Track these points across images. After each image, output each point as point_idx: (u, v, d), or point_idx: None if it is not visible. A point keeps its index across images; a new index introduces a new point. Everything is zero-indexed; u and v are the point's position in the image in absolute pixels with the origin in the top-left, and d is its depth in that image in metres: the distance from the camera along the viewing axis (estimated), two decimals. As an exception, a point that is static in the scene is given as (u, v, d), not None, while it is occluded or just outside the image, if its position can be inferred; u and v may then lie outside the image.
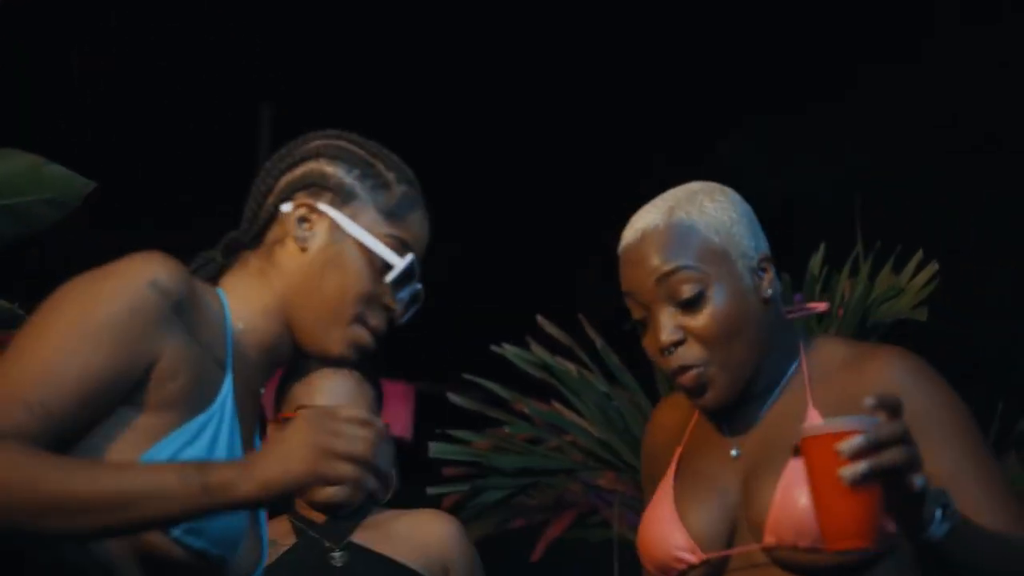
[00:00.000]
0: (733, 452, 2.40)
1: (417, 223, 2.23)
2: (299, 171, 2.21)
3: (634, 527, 5.29)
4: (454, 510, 4.85)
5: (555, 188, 10.18)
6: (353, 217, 2.17)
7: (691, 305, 2.32)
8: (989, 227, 8.62)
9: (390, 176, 2.22)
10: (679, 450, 2.48)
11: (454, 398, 5.28)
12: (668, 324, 2.32)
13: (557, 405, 5.35)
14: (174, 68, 10.01)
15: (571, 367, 5.39)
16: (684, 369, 2.33)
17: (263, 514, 2.22)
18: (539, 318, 5.45)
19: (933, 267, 5.41)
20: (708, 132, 9.59)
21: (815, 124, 8.91)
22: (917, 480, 2.00)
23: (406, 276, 2.18)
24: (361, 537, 3.22)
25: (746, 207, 2.40)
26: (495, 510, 5.16)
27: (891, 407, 2.02)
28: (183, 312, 2.02)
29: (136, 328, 1.97)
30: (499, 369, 5.33)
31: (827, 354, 2.39)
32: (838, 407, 2.30)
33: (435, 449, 5.42)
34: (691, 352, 2.32)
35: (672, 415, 2.56)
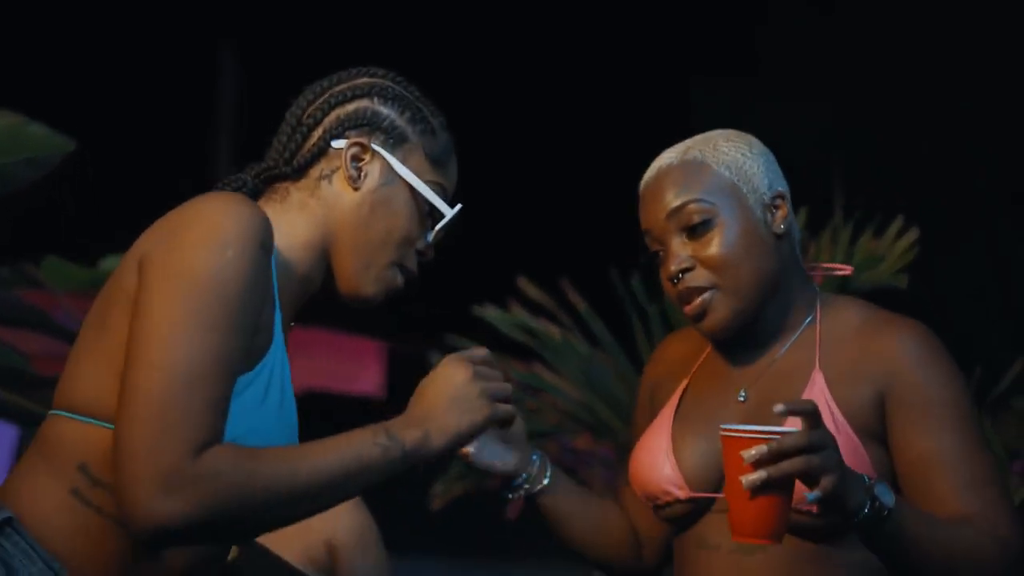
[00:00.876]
0: (741, 395, 2.46)
1: (454, 171, 2.26)
2: (351, 107, 2.19)
3: (612, 487, 5.34)
4: (436, 469, 4.87)
5: (535, 149, 10.17)
6: (404, 160, 2.17)
7: (699, 233, 2.42)
8: (964, 191, 8.64)
9: (435, 122, 2.23)
10: (685, 382, 2.53)
11: (435, 358, 5.30)
12: (679, 252, 2.42)
13: (538, 367, 5.38)
14: (131, 3, 9.92)
15: (553, 329, 5.41)
16: (690, 293, 2.41)
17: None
18: (520, 280, 5.46)
19: (914, 233, 5.44)
20: (677, 88, 9.60)
21: (788, 80, 8.92)
22: (807, 496, 2.10)
23: (449, 223, 2.21)
24: None
25: (764, 149, 2.49)
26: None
27: (808, 415, 2.10)
28: (270, 259, 2.03)
29: (259, 297, 1.98)
30: (480, 331, 5.35)
31: (844, 315, 2.45)
32: (844, 372, 2.36)
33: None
34: (698, 276, 2.41)
35: (679, 348, 2.63)
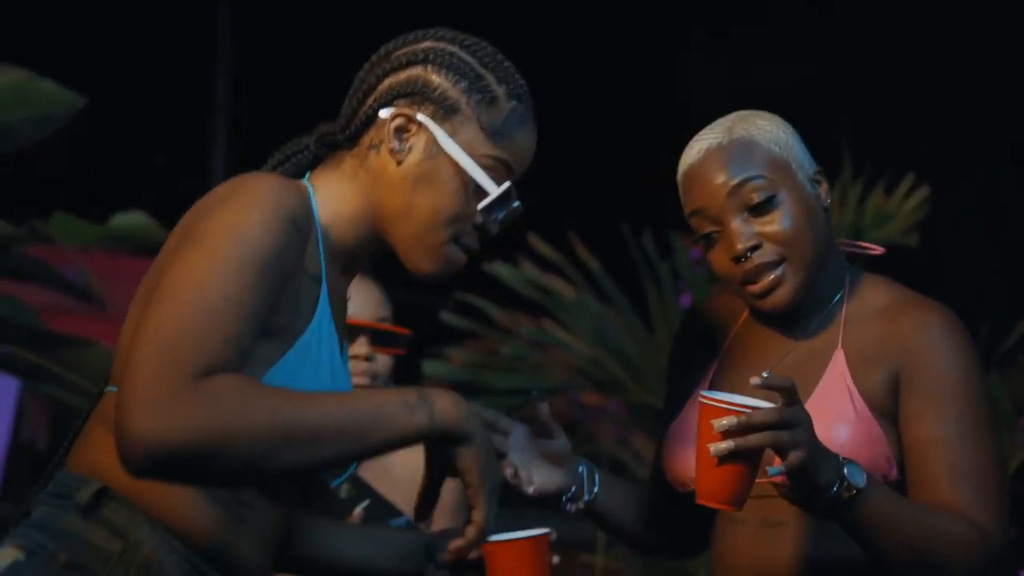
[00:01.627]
0: (765, 375, 2.45)
1: (522, 142, 2.13)
2: (403, 75, 2.10)
3: (620, 441, 5.37)
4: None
5: (545, 106, 10.15)
6: (453, 133, 2.07)
7: (763, 211, 2.40)
8: (968, 148, 8.64)
9: (500, 91, 2.11)
10: (715, 364, 2.54)
11: (447, 317, 5.34)
12: (744, 231, 2.39)
13: (548, 323, 5.40)
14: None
15: (564, 286, 5.43)
16: (761, 270, 2.39)
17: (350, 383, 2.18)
18: (530, 237, 5.48)
19: (924, 191, 5.44)
20: (681, 46, 9.57)
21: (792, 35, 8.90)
22: (769, 470, 2.13)
23: (501, 201, 2.09)
24: (362, 470, 3.17)
25: (792, 127, 2.48)
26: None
27: (783, 391, 2.14)
28: (304, 242, 2.00)
29: (283, 265, 1.95)
30: (490, 287, 5.37)
31: (871, 294, 2.45)
32: (866, 352, 2.37)
33: (428, 368, 5.47)
34: (766, 253, 2.39)
35: (711, 320, 2.61)
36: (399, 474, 3.17)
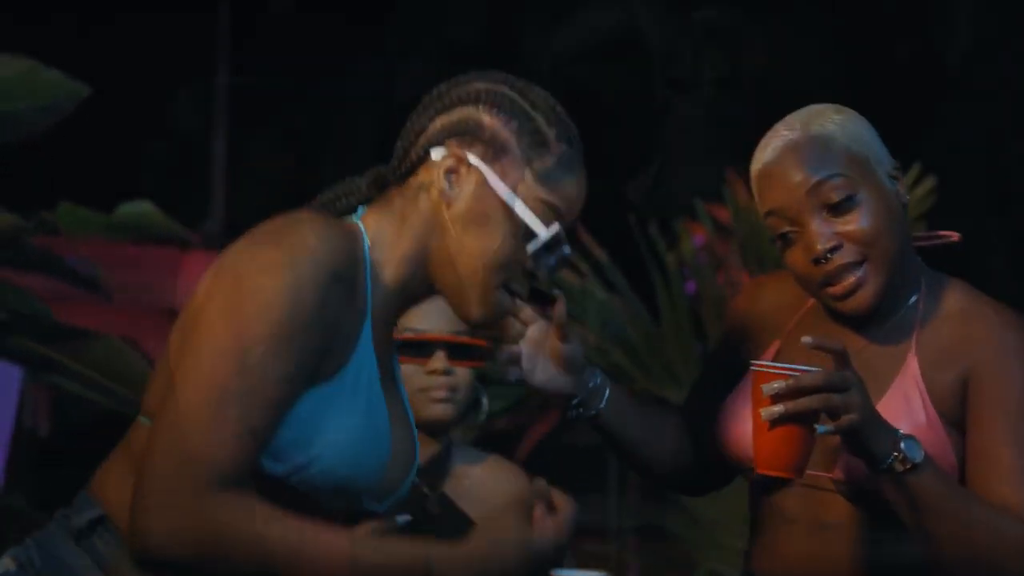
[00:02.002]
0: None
1: (571, 187, 2.10)
2: (455, 115, 2.09)
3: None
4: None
5: (555, 94, 10.17)
6: (504, 175, 2.05)
7: (843, 210, 2.34)
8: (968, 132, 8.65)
9: (550, 133, 2.09)
10: (777, 343, 2.51)
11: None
12: (824, 232, 2.34)
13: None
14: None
15: (569, 275, 5.44)
16: (842, 271, 2.35)
17: (409, 408, 2.16)
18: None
19: (930, 181, 5.45)
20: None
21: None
22: (818, 427, 2.15)
23: (551, 245, 2.07)
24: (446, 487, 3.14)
25: (867, 121, 2.44)
26: (498, 416, 5.25)
27: (835, 353, 2.15)
28: (349, 291, 1.98)
29: (321, 324, 1.93)
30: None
31: (948, 298, 2.41)
32: (938, 358, 2.35)
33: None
34: (848, 253, 2.35)
35: (774, 299, 2.56)
36: (469, 486, 3.15)
